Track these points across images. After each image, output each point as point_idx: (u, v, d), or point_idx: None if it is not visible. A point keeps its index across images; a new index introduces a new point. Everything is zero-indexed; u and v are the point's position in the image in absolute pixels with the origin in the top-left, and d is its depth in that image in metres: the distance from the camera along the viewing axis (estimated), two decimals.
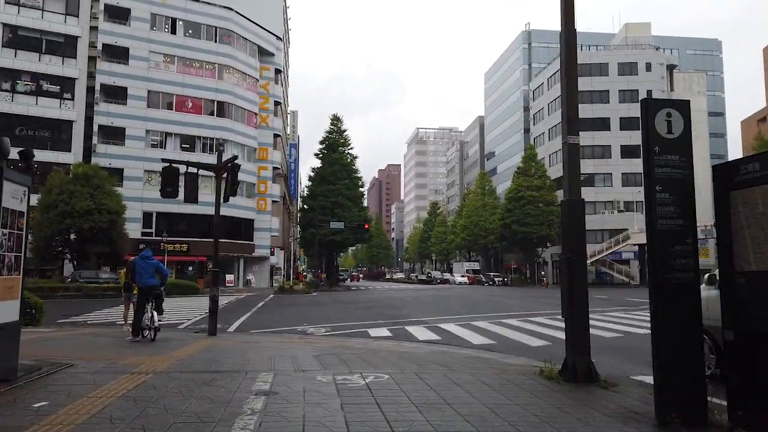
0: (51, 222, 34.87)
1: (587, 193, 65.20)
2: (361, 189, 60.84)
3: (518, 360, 8.80)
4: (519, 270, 71.53)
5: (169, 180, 11.78)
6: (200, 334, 12.61)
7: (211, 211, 43.46)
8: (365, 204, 63.45)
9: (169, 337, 11.13)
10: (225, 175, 12.18)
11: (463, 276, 71.01)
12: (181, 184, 12.06)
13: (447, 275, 78.24)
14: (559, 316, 14.81)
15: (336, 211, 54.78)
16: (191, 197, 12.03)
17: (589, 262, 60.20)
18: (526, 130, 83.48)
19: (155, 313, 10.34)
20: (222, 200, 12.30)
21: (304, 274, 53.17)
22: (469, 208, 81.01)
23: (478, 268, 76.72)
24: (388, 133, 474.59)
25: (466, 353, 9.36)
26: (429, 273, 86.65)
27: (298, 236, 47.08)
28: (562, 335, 11.67)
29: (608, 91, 68.05)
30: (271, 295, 33.35)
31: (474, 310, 19.45)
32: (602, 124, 67.16)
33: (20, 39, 42.45)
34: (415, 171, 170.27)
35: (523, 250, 66.50)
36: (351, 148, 60.91)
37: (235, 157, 12.07)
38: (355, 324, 14.97)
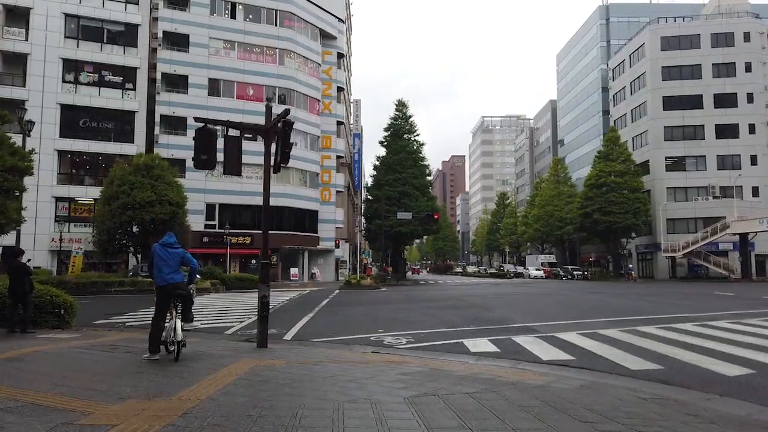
0: (113, 214, 33.99)
1: (677, 179, 59.21)
2: (428, 178, 57.60)
3: (741, 409, 5.36)
4: (599, 263, 66.08)
5: (203, 146, 9.01)
6: (248, 344, 9.83)
7: (274, 202, 41.54)
8: (433, 193, 60.04)
9: (202, 353, 8.35)
10: (276, 139, 9.27)
11: (538, 269, 66.40)
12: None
13: (520, 268, 73.71)
14: (717, 323, 11.34)
15: (403, 201, 51.85)
16: (233, 167, 9.22)
17: (681, 254, 54.45)
18: (605, 112, 77.37)
19: (180, 323, 7.57)
20: (273, 170, 9.42)
21: (371, 267, 50.51)
22: (543, 197, 76.05)
23: (554, 260, 71.69)
24: (452, 124, 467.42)
25: (644, 392, 5.99)
26: (501, 266, 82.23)
27: (363, 228, 44.48)
28: (756, 356, 8.09)
29: (700, 65, 61.25)
30: (337, 291, 30.66)
31: (584, 313, 15.83)
32: (693, 102, 60.57)
33: (82, 29, 41.85)
34: (481, 161, 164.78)
35: (604, 241, 61.18)
36: (417, 135, 57.78)
37: (287, 111, 9.12)
38: (443, 332, 11.78)
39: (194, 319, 8.07)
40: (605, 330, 11.43)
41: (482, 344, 9.85)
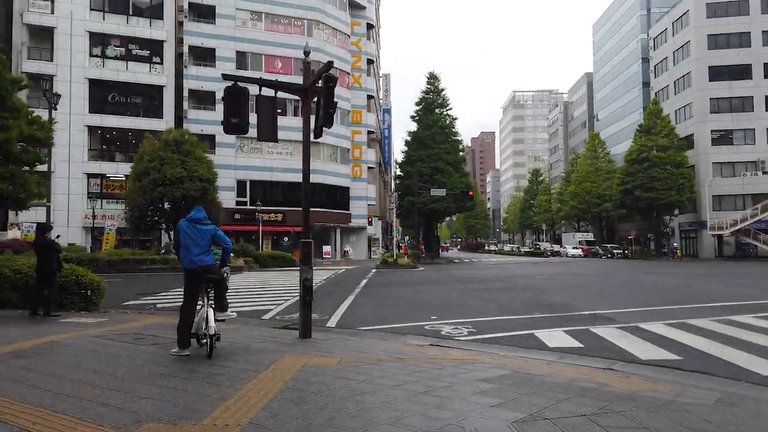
0: (144, 191, 33.44)
1: (724, 153, 56.09)
2: (461, 153, 55.74)
3: None
4: (639, 241, 63.63)
5: (233, 107, 7.77)
6: (288, 333, 8.69)
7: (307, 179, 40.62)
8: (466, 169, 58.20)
9: (239, 345, 7.20)
10: (316, 99, 7.97)
11: (575, 248, 64.29)
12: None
13: (556, 247, 71.62)
14: None
15: (435, 178, 50.26)
16: (268, 132, 7.96)
17: (728, 231, 51.76)
18: (645, 84, 73.92)
19: (212, 312, 6.42)
20: (313, 135, 8.14)
21: (407, 245, 49.22)
22: (579, 173, 73.41)
23: (592, 239, 69.39)
24: (481, 100, 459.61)
25: None
26: (536, 244, 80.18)
27: (395, 204, 43.19)
28: None
29: (749, 33, 57.52)
30: (374, 270, 29.47)
31: (655, 298, 14.35)
32: (742, 72, 57.06)
33: (107, 1, 40.96)
34: (512, 137, 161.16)
35: (645, 218, 58.73)
36: (450, 109, 55.81)
37: (330, 64, 7.80)
38: (505, 320, 10.46)
39: (229, 305, 6.89)
40: (694, 320, 9.94)
41: (558, 337, 8.51)
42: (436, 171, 50.85)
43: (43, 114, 20.24)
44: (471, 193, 47.46)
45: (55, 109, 22.65)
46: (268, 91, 7.99)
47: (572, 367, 6.38)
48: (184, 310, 6.56)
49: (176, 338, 6.55)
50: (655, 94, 67.39)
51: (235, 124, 7.77)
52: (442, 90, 55.78)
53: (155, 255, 30.09)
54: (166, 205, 34.18)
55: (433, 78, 55.75)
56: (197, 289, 6.58)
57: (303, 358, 6.41)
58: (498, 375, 5.73)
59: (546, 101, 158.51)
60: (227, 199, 40.95)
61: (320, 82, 7.94)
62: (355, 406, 4.38)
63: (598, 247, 62.26)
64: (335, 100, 7.76)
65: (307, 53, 8.57)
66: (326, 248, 47.19)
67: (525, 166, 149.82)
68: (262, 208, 41.14)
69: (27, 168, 11.79)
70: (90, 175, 40.35)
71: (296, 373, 5.54)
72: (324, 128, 7.94)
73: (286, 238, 45.82)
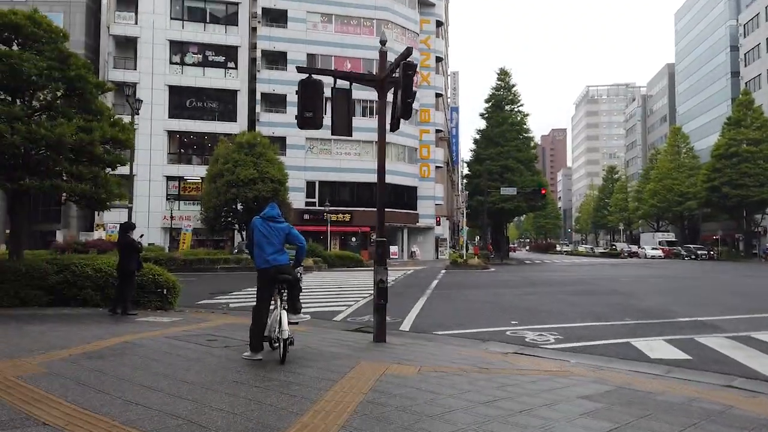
0: (218, 192, 34.45)
1: None
2: (533, 151, 54.02)
3: None
4: (725, 242, 59.33)
5: (308, 101, 7.46)
6: (362, 336, 8.32)
7: (372, 178, 40.49)
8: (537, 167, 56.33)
9: (312, 350, 6.87)
10: (393, 91, 7.53)
11: (654, 248, 60.81)
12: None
13: (634, 247, 68.09)
14: None
15: (506, 176, 48.94)
16: (342, 126, 7.62)
17: None
18: (734, 74, 68.93)
19: (285, 315, 6.10)
20: (390, 128, 7.71)
21: (479, 245, 48.09)
22: (659, 170, 69.44)
23: (673, 239, 65.51)
24: (550, 97, 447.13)
25: None
26: (612, 245, 76.70)
27: (465, 204, 42.20)
28: None
29: None
30: (443, 271, 28.82)
31: (761, 302, 12.96)
32: None
33: (186, 10, 42.57)
34: (586, 133, 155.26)
35: (733, 217, 54.73)
36: (521, 105, 54.25)
37: (409, 51, 7.31)
38: (594, 327, 9.64)
39: (302, 307, 6.56)
40: None
41: (660, 347, 7.64)
42: (506, 169, 49.53)
43: (127, 120, 21.09)
44: (543, 191, 45.80)
45: (137, 114, 23.61)
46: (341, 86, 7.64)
47: (685, 384, 5.60)
48: (256, 312, 6.27)
49: (248, 341, 6.29)
50: (746, 84, 62.76)
51: (309, 119, 7.47)
52: (513, 86, 54.30)
53: (228, 255, 30.81)
54: (239, 206, 35.05)
55: (503, 74, 54.36)
56: (270, 289, 6.27)
57: (380, 366, 5.97)
58: (601, 391, 5.06)
59: (622, 95, 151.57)
60: (297, 199, 41.47)
61: (397, 71, 7.50)
62: (446, 427, 3.87)
63: (680, 248, 58.59)
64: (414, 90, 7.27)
65: (383, 42, 8.15)
66: (393, 248, 46.90)
67: (599, 164, 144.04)
68: (330, 208, 41.39)
69: (109, 169, 12.00)
70: (169, 178, 42.01)
71: (375, 384, 5.10)
72: (396, 125, 7.48)
73: (353, 238, 45.93)
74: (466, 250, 43.02)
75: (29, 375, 5.21)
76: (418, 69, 49.96)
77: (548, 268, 32.86)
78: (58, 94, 11.45)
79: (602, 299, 13.90)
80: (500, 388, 5.06)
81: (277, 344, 6.13)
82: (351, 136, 8.04)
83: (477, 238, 49.50)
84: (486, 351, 7.45)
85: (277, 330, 6.04)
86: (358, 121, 47.31)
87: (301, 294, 6.60)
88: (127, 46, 41.95)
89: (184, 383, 5.01)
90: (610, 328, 9.44)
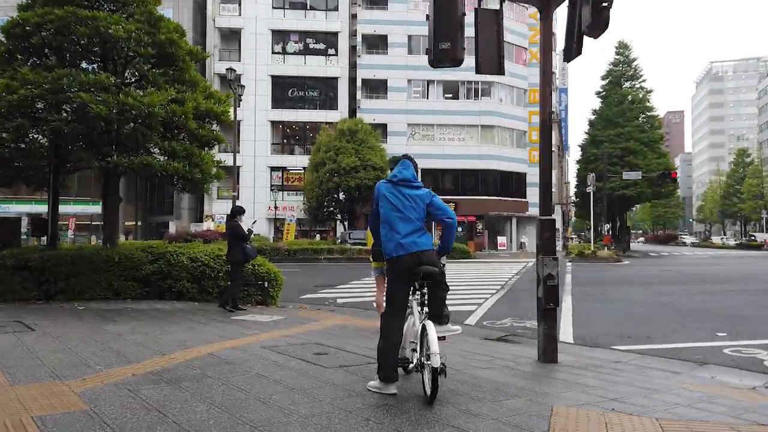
0: (320, 181, 33.83)
1: None
2: (658, 131, 48.69)
3: None
4: None
5: (442, 26, 5.43)
6: (514, 348, 6.16)
7: (476, 164, 37.95)
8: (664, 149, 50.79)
9: (461, 376, 4.80)
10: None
11: None
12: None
13: None
14: None
15: (626, 159, 44.42)
16: (490, 59, 5.54)
17: None
18: None
19: (432, 328, 3.93)
20: (565, 57, 5.49)
21: (608, 235, 43.88)
22: None
23: None
24: (666, 77, 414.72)
25: None
26: (752, 235, 68.38)
27: (592, 189, 38.17)
28: None
29: None
30: (569, 263, 25.59)
31: None
32: None
33: None
34: (709, 114, 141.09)
35: None
36: (643, 81, 49.14)
37: None
38: None
39: (449, 315, 4.46)
40: None
41: None
42: (627, 152, 44.96)
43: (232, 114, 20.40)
44: (674, 175, 40.82)
45: (240, 100, 23.01)
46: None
47: None
48: (386, 324, 4.17)
49: (369, 356, 4.30)
50: None
51: (445, 51, 5.42)
52: (633, 60, 49.28)
53: (332, 245, 29.77)
54: (341, 196, 34.16)
55: (622, 47, 49.49)
56: (407, 288, 4.21)
57: (583, 414, 3.79)
58: None
59: (752, 71, 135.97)
60: None
61: None
62: None
63: None
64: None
65: None
66: (501, 239, 44.04)
67: (724, 147, 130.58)
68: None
69: (206, 147, 10.65)
70: (273, 168, 41.98)
71: None
72: (578, 49, 5.21)
73: (459, 229, 43.62)
74: (594, 241, 39.42)
75: (50, 416, 3.53)
76: (526, 46, 46.52)
77: (688, 261, 28.72)
78: (151, 62, 10.26)
79: None
80: None
81: (420, 372, 4.07)
82: (503, 74, 5.89)
83: (607, 226, 45.42)
84: (715, 382, 5.02)
85: (416, 349, 4.01)
86: (462, 105, 45.02)
87: (446, 294, 4.49)
88: (231, 38, 42.29)
89: (286, 425, 3.13)
90: None
